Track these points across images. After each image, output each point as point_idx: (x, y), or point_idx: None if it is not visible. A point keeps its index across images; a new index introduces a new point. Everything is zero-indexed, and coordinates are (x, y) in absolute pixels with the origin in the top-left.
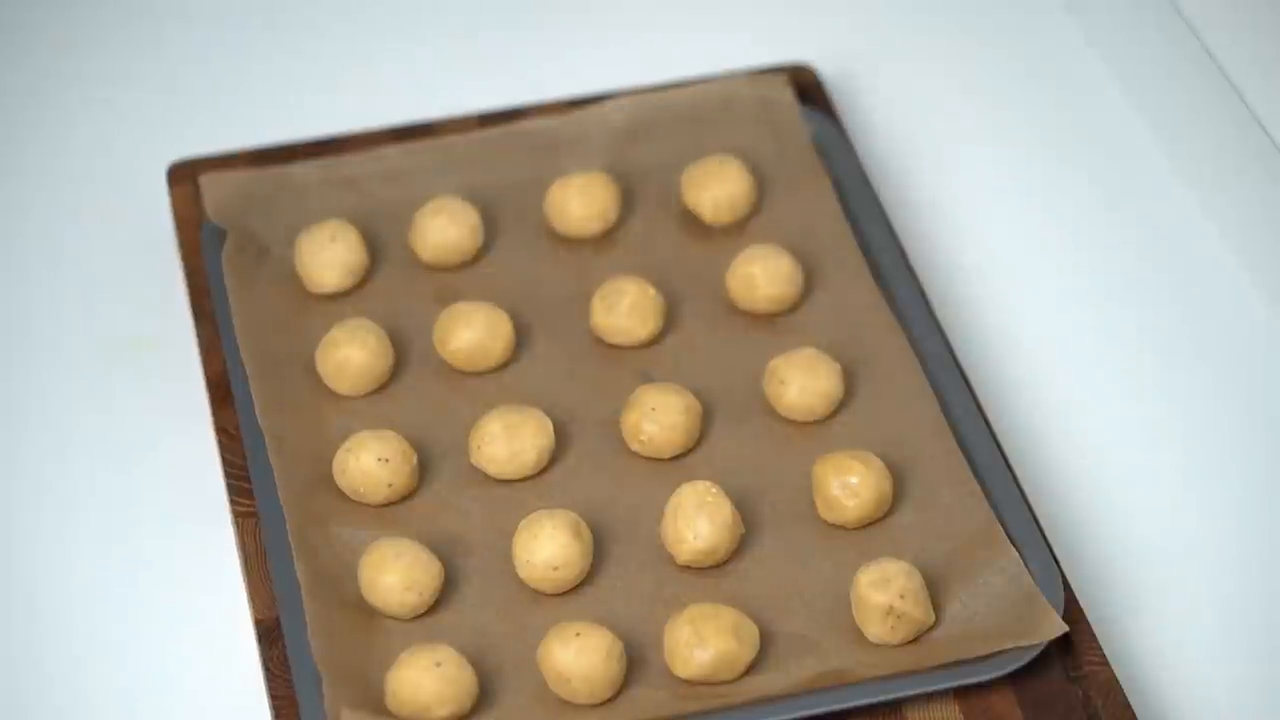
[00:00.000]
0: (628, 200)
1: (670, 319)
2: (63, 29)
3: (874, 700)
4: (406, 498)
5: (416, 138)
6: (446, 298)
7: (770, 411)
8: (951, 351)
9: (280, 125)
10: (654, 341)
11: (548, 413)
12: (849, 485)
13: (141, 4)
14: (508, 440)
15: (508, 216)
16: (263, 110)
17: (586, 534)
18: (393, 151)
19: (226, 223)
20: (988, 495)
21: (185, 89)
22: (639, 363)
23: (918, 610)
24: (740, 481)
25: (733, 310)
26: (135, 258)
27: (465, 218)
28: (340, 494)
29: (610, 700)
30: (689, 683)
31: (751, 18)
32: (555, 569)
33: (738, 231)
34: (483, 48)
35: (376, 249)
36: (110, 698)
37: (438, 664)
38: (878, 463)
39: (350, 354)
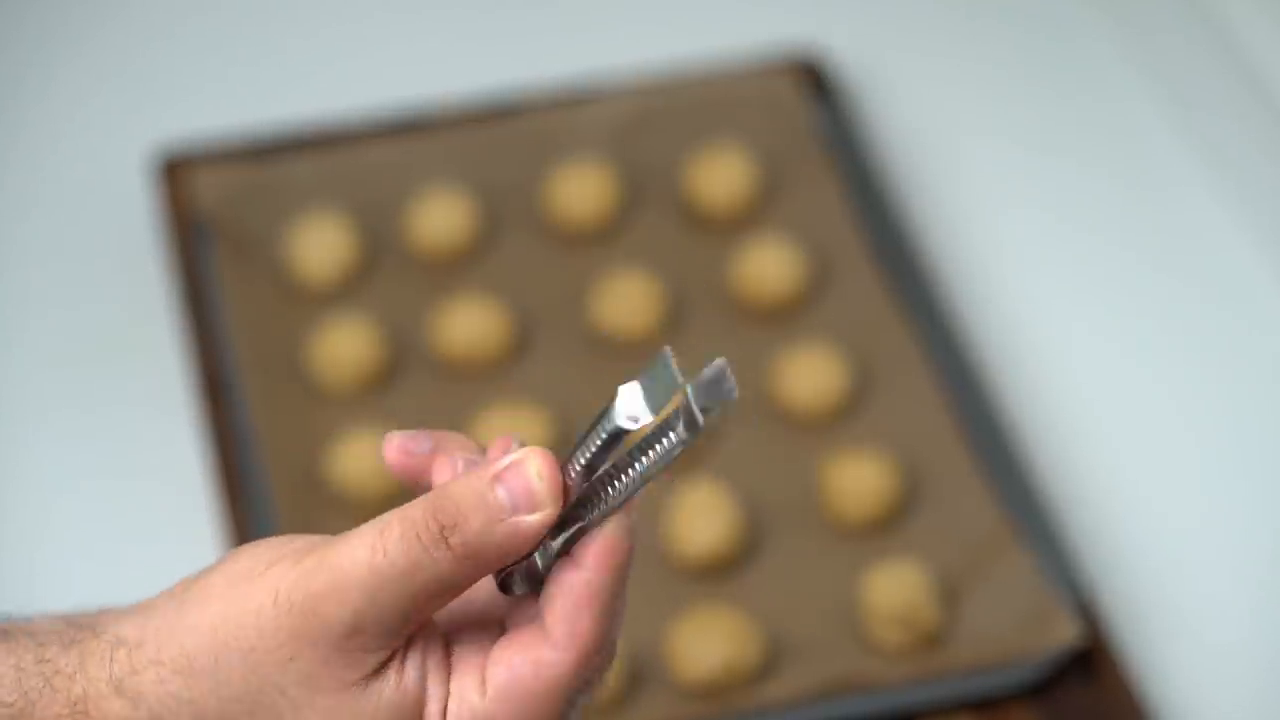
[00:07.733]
0: (630, 194)
1: (673, 316)
2: (45, 19)
3: (886, 710)
4: (403, 498)
5: (413, 129)
6: (443, 293)
7: (777, 411)
8: (965, 349)
9: (270, 112)
10: (657, 339)
11: (547, 411)
12: (858, 487)
13: None
14: None
15: (507, 210)
16: (251, 99)
17: None
18: (388, 143)
19: (217, 217)
20: (1003, 497)
21: (171, 78)
22: (642, 361)
23: (930, 615)
24: (746, 483)
25: (738, 307)
26: (120, 253)
27: (463, 211)
28: (333, 494)
29: (613, 707)
30: (694, 689)
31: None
32: None
33: (743, 226)
34: (480, 20)
35: (371, 243)
36: None
37: None
38: (887, 463)
39: (344, 351)
